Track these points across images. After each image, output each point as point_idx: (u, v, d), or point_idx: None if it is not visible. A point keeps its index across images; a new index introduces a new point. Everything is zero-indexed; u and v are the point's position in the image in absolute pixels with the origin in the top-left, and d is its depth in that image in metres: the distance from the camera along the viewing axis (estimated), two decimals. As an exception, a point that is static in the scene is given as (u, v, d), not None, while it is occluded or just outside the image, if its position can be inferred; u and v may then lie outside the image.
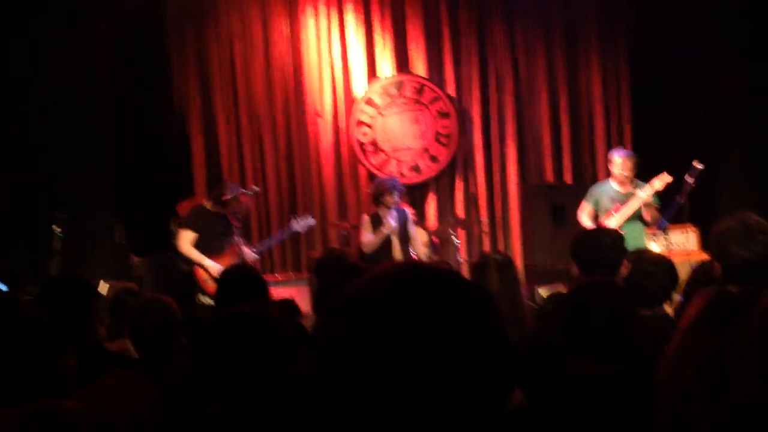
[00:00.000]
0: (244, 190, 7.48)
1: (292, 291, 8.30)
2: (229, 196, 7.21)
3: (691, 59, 8.76)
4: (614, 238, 3.36)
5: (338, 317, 1.13)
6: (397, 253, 7.58)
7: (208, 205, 7.32)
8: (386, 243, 7.59)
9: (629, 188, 7.26)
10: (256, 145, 9.64)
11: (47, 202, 7.91)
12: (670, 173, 7.39)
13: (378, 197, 7.68)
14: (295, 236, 9.18)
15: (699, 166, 7.03)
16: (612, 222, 7.13)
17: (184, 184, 9.43)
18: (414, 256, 7.69)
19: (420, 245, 7.80)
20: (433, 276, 1.12)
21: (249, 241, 7.75)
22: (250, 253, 7.28)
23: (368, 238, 7.65)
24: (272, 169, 9.61)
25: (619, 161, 7.32)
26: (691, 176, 7.03)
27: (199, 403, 2.08)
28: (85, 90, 8.64)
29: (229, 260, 6.96)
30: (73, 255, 7.65)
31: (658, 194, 7.22)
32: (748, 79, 8.51)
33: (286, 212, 9.32)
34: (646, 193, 7.07)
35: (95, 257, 8.29)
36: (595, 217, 7.42)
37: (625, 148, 9.45)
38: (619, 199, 7.26)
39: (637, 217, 7.18)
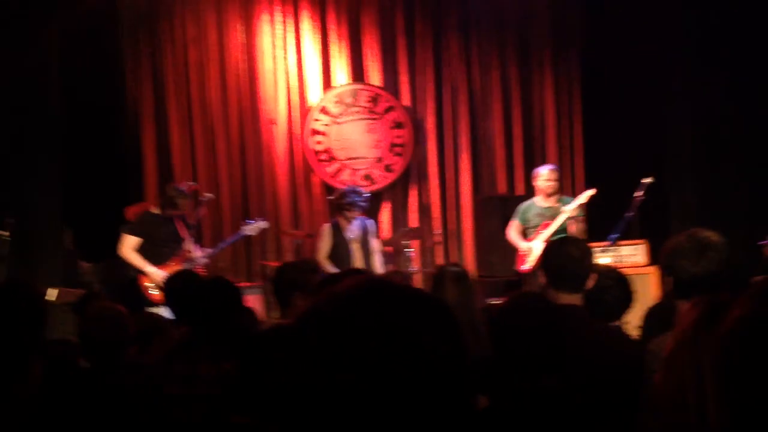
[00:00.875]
0: (191, 189, 7.27)
1: (245, 300, 8.24)
2: (173, 193, 7.02)
3: (642, 75, 8.91)
4: (583, 250, 3.38)
5: (311, 327, 1.19)
6: (358, 263, 7.52)
7: (155, 210, 7.16)
8: (346, 253, 7.54)
9: (555, 203, 7.45)
10: (209, 152, 9.57)
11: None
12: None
13: (339, 208, 7.65)
14: (248, 242, 9.16)
15: (648, 180, 7.18)
16: (540, 238, 7.32)
17: (136, 189, 9.32)
18: (375, 268, 7.62)
19: (378, 259, 7.74)
20: (399, 290, 1.22)
21: (201, 246, 7.60)
22: (200, 258, 7.13)
23: (324, 251, 7.59)
24: (225, 175, 9.55)
25: (544, 173, 7.59)
26: (640, 190, 7.16)
27: (231, 410, 2.09)
28: (36, 92, 8.48)
29: (175, 268, 6.70)
30: (21, 260, 7.50)
31: (585, 207, 7.43)
32: (699, 95, 8.67)
33: (239, 220, 9.20)
34: (570, 207, 7.29)
35: (44, 262, 8.13)
36: (524, 234, 7.60)
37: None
38: (546, 214, 7.45)
39: (563, 231, 7.34)
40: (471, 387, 1.22)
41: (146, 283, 6.91)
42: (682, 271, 3.05)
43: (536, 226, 7.50)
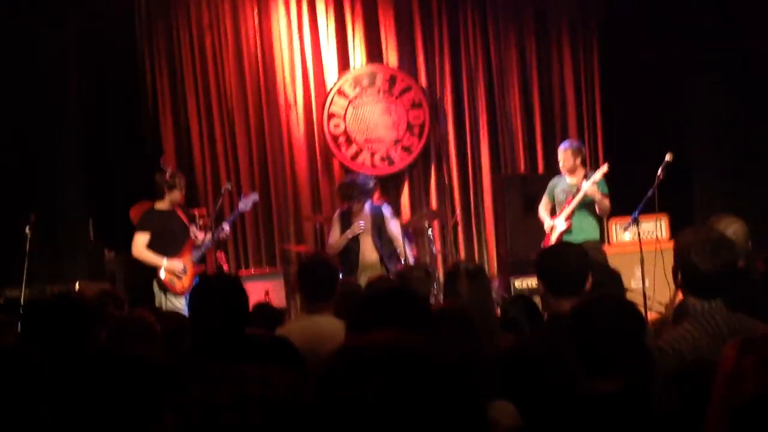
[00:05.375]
0: (172, 172, 7.26)
1: (267, 285, 8.31)
2: (165, 177, 7.02)
3: (663, 50, 8.79)
4: (579, 255, 3.37)
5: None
6: (368, 254, 7.47)
7: (157, 205, 7.15)
8: (355, 243, 7.49)
9: (580, 180, 7.36)
10: (229, 138, 9.58)
11: (18, 200, 7.83)
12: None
13: (344, 197, 7.57)
14: (268, 226, 9.30)
15: (670, 157, 7.09)
16: (562, 216, 7.30)
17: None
18: (399, 252, 7.54)
19: (400, 243, 7.52)
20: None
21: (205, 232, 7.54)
22: (207, 243, 7.13)
23: (334, 238, 7.57)
24: (245, 161, 9.55)
25: (559, 151, 7.48)
26: (662, 167, 7.08)
27: None
28: (55, 85, 8.54)
29: (188, 256, 6.94)
30: (46, 253, 7.57)
31: (608, 183, 7.32)
32: (720, 70, 8.56)
33: (260, 206, 9.18)
34: (586, 185, 7.20)
35: (68, 254, 8.22)
36: (552, 210, 7.56)
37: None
38: (570, 191, 7.37)
39: (586, 208, 7.27)
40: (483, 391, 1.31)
41: (168, 278, 6.93)
42: (694, 268, 3.02)
43: (562, 203, 7.44)
